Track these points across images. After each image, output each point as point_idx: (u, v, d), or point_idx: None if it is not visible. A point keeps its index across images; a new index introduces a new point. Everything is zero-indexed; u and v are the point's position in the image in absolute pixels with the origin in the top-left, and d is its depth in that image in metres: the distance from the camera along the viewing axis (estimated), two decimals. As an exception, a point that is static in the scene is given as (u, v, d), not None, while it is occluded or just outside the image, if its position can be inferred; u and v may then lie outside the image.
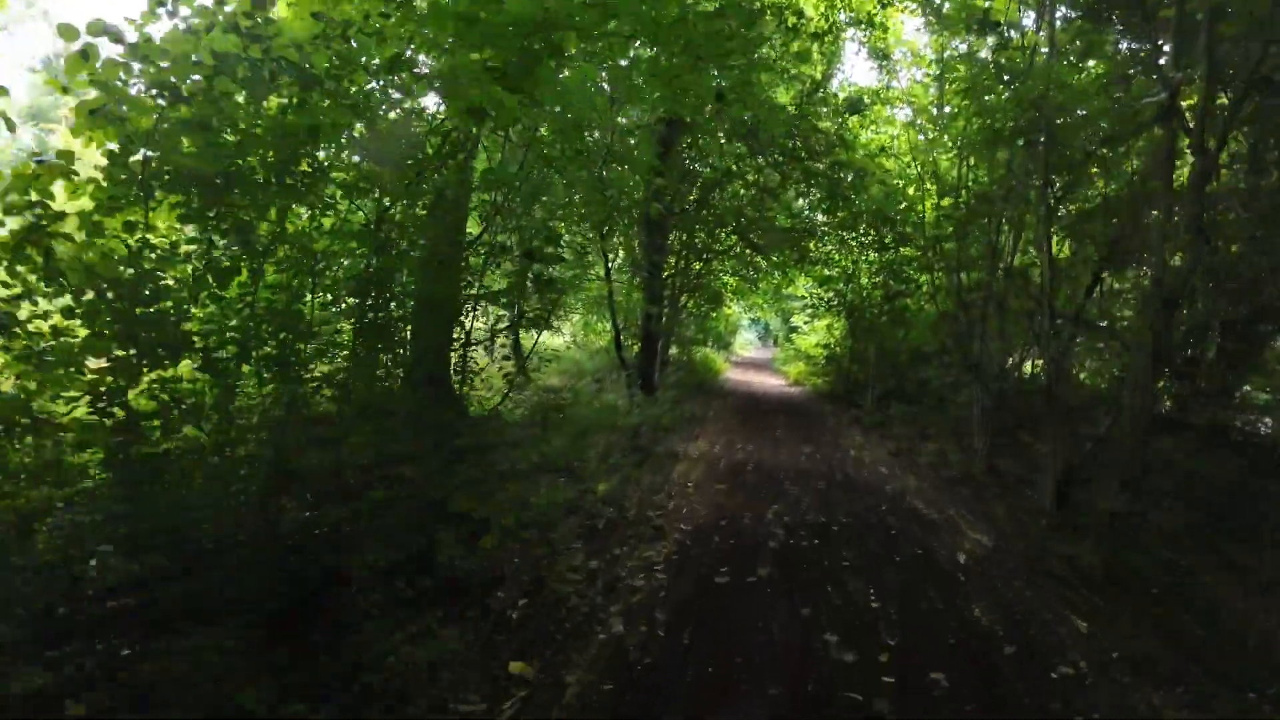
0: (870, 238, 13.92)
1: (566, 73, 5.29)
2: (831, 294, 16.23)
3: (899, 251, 13.57)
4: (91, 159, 3.13)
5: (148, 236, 3.10)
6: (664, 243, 11.01)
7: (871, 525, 5.71)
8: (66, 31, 3.01)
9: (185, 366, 3.19)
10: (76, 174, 3.02)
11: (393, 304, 4.52)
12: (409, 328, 5.24)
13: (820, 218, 14.01)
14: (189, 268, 3.36)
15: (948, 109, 10.59)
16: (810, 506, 6.09)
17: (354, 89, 3.83)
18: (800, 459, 8.30)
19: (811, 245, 15.47)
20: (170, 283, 3.17)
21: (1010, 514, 6.27)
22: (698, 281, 17.37)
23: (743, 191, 12.65)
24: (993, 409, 8.22)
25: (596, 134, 11.84)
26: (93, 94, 3.10)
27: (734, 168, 12.14)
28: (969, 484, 7.40)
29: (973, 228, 9.46)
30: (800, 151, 11.34)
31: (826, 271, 16.06)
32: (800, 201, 15.92)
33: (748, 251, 16.31)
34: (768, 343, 37.11)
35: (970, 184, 10.31)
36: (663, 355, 13.75)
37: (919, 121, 11.95)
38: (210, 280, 3.26)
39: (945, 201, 12.71)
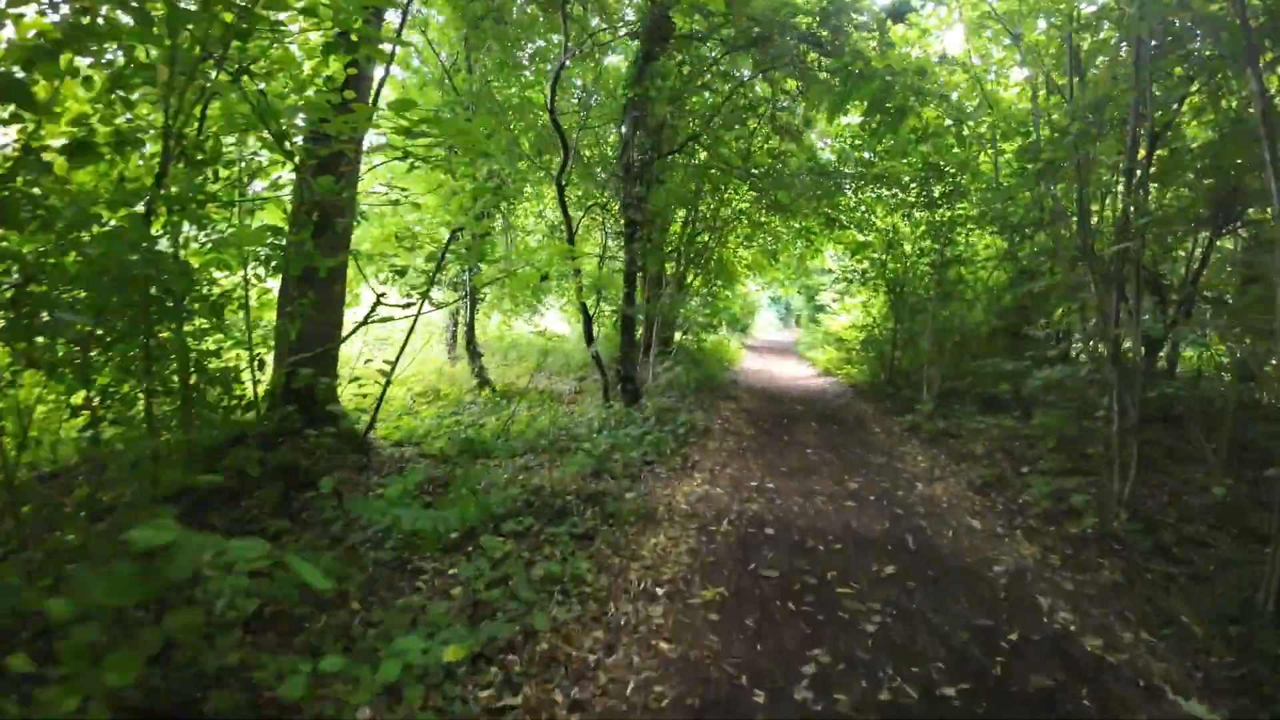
0: (916, 193, 10.98)
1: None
2: (867, 263, 13.32)
3: (953, 209, 10.66)
4: None
5: None
6: (645, 195, 8.17)
7: (1009, 696, 2.92)
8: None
9: None
10: None
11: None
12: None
13: (866, 158, 11.02)
14: None
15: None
16: (881, 645, 3.31)
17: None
18: (847, 507, 5.51)
19: (842, 202, 12.56)
20: None
21: (1212, 626, 3.48)
22: (705, 255, 14.62)
23: (754, 126, 9.72)
24: (1135, 425, 5.37)
25: (555, 38, 9.04)
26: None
27: (741, 98, 9.26)
28: (1114, 552, 4.59)
29: (1060, 174, 6.57)
30: (822, 63, 8.38)
31: (860, 236, 13.15)
32: (823, 150, 12.96)
33: (763, 214, 13.43)
34: (790, 324, 34.06)
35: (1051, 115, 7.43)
36: (658, 345, 10.95)
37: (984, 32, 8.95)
38: None
39: (1008, 146, 9.81)
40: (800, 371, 15.64)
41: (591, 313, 8.16)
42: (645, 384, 9.94)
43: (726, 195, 11.71)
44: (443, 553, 3.89)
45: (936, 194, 10.78)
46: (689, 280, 15.33)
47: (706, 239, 16.00)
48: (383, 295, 4.82)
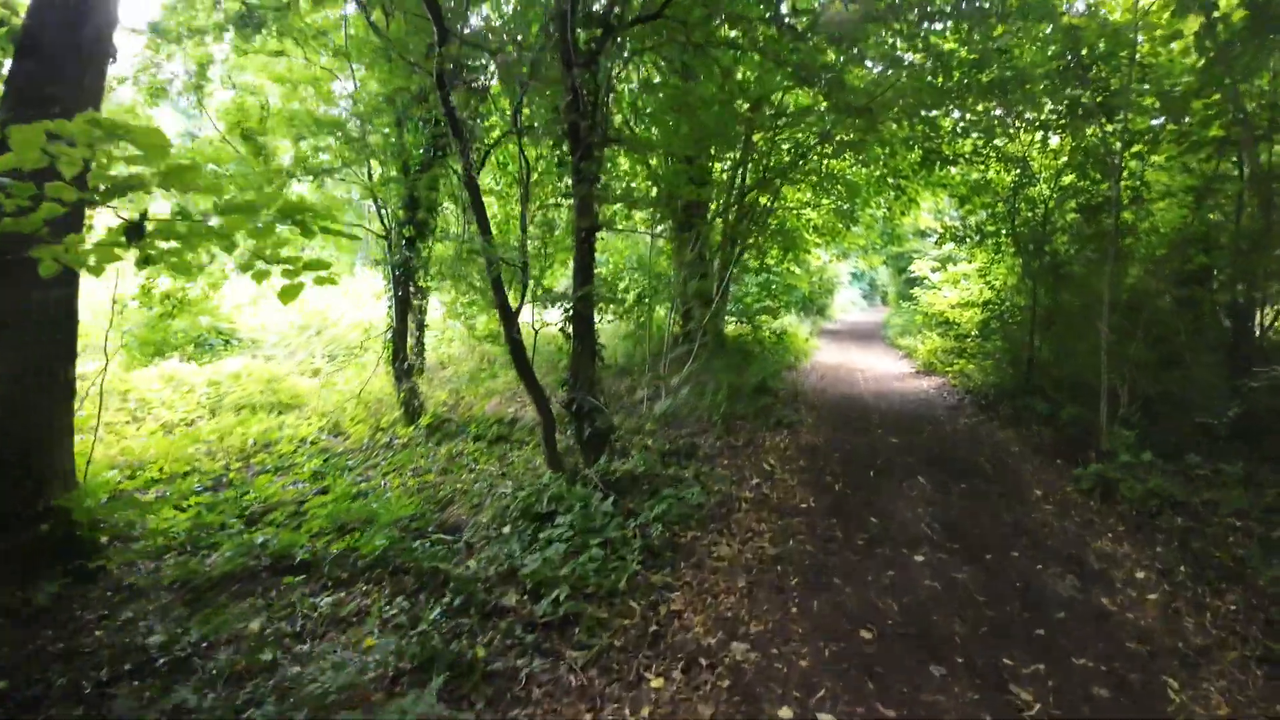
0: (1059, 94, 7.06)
1: None
2: (985, 214, 9.30)
3: (1103, 125, 6.78)
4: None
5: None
6: (596, 102, 4.52)
7: None
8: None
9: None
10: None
11: None
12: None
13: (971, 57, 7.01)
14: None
15: None
16: None
17: None
18: None
19: (946, 127, 8.65)
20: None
21: None
22: (757, 218, 11.01)
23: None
24: None
25: None
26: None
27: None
28: None
29: None
30: None
31: (975, 172, 9.16)
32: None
33: (830, 154, 9.61)
34: (875, 302, 29.45)
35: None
36: (702, 336, 7.36)
37: None
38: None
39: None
40: (891, 367, 11.68)
41: (526, 299, 4.73)
42: (662, 402, 6.47)
43: (773, 101, 7.97)
44: None
45: (1084, 98, 6.81)
46: (738, 254, 11.71)
47: (760, 198, 12.31)
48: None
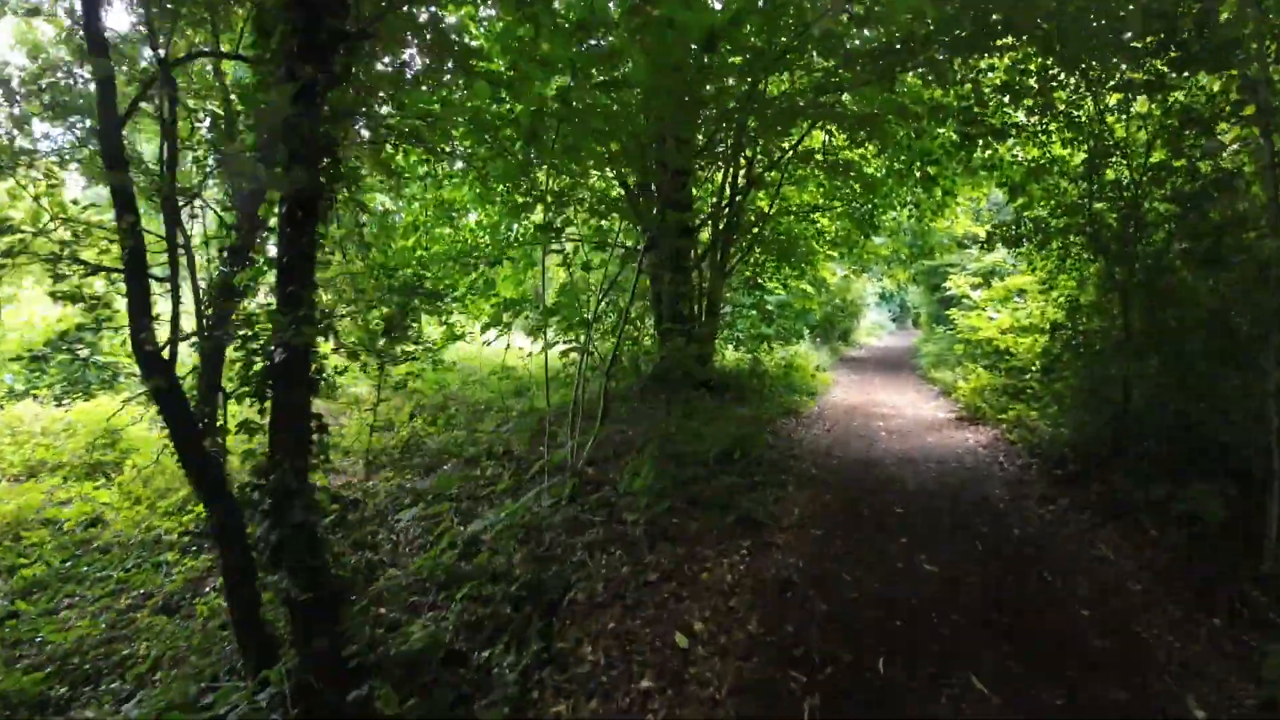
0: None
1: None
2: (1052, 207, 6.79)
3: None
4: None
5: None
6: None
7: None
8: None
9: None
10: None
11: None
12: None
13: None
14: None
15: None
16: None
17: None
18: None
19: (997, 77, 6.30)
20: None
21: None
22: (752, 228, 8.79)
23: None
24: None
25: None
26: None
27: None
28: None
29: None
30: None
31: (1033, 150, 6.71)
32: None
33: (840, 140, 7.31)
34: (905, 324, 26.60)
35: None
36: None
37: None
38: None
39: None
40: (923, 409, 9.09)
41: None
42: (480, 521, 4.17)
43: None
44: None
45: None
46: (729, 266, 9.31)
47: (761, 200, 9.94)
48: None
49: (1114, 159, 6.08)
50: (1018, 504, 4.94)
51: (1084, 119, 6.07)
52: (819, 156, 9.37)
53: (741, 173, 9.20)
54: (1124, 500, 4.68)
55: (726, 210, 9.21)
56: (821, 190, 10.22)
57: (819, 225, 10.51)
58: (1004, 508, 4.87)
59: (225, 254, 4.43)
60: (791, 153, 8.91)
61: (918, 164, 7.91)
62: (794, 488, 5.15)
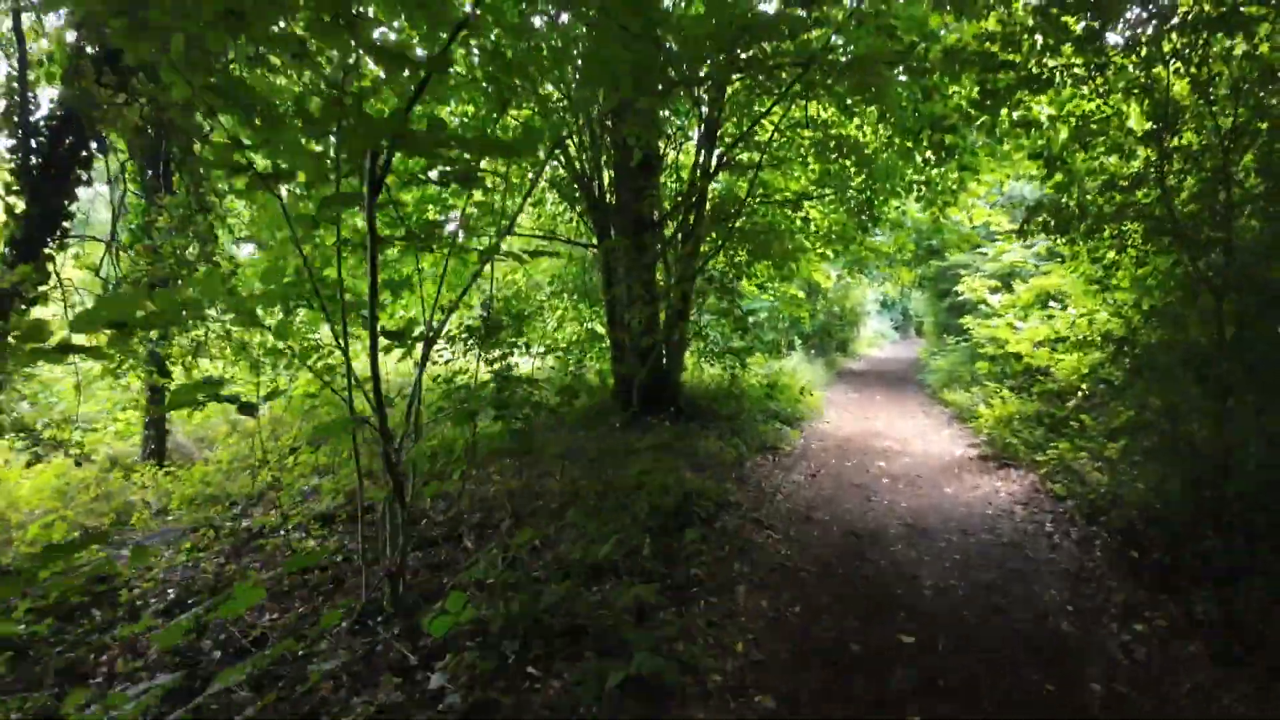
0: None
1: None
2: (1098, 183, 5.02)
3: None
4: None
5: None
6: None
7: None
8: None
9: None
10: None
11: None
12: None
13: None
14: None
15: None
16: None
17: None
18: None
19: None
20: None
21: None
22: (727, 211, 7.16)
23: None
24: None
25: None
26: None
27: None
28: None
29: None
30: None
31: (1082, 104, 4.98)
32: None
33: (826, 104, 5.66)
34: (908, 333, 24.74)
35: None
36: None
37: None
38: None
39: None
40: (934, 442, 7.32)
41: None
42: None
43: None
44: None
45: None
46: (697, 265, 7.56)
47: (734, 180, 8.26)
48: None
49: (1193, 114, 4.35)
50: (1091, 627, 3.16)
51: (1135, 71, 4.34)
52: (806, 132, 7.67)
53: (716, 153, 7.49)
54: (1232, 608, 2.93)
55: (695, 200, 7.50)
56: (811, 174, 8.49)
57: (807, 216, 8.77)
58: (1071, 634, 3.09)
59: None
60: (770, 127, 7.20)
61: (926, 132, 6.16)
62: (746, 593, 3.39)
